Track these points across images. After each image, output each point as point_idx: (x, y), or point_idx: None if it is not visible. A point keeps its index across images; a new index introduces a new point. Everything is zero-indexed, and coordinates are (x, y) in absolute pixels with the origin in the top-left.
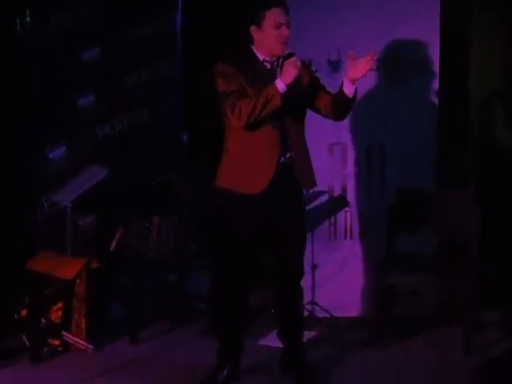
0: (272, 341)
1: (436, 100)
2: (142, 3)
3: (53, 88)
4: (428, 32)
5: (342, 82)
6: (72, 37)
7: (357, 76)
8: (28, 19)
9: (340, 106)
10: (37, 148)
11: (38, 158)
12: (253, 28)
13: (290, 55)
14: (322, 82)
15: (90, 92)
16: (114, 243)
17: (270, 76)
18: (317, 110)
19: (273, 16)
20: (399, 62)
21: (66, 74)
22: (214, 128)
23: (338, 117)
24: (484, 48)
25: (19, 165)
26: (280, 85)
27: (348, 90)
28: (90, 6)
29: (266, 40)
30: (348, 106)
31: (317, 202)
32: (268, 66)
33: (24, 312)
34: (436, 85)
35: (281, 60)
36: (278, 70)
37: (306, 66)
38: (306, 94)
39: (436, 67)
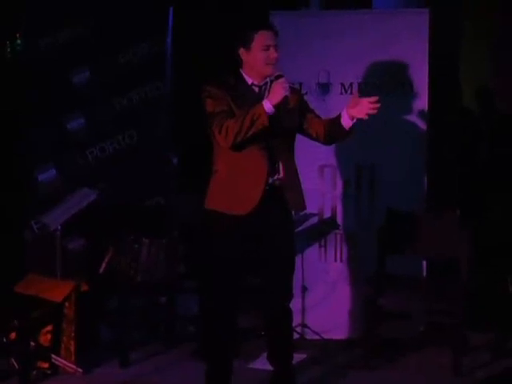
0: (262, 364)
1: (425, 121)
2: (132, 25)
3: (43, 111)
4: (417, 52)
5: (340, 114)
6: (62, 59)
7: (357, 116)
8: (18, 41)
9: (334, 135)
10: (27, 170)
11: (28, 181)
12: (241, 50)
13: (279, 77)
14: (311, 105)
15: (80, 114)
16: (103, 265)
17: (258, 100)
18: (306, 134)
19: (261, 38)
20: (388, 83)
21: (55, 96)
22: (203, 150)
23: (329, 143)
24: (473, 70)
25: (8, 187)
26: (267, 105)
27: (346, 124)
28: (79, 29)
29: (255, 62)
30: (342, 136)
31: (307, 224)
32: (256, 89)
33: (13, 335)
34: (425, 106)
35: (269, 83)
36: (266, 93)
37: (294, 89)
38: (293, 117)
39: (425, 87)
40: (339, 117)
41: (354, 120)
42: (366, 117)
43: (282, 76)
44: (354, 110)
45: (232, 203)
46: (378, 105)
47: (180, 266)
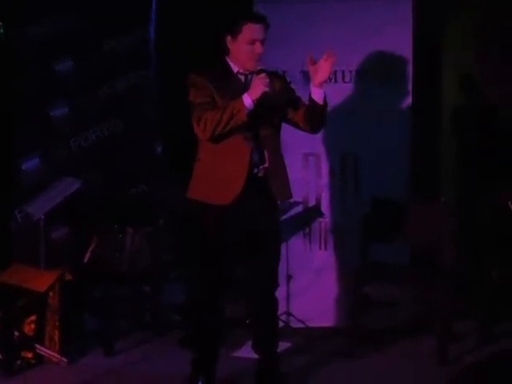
0: (247, 352)
1: (409, 110)
2: (116, 15)
3: (26, 99)
4: (401, 41)
5: (310, 92)
6: (46, 48)
7: (322, 78)
8: (1, 30)
9: (314, 117)
10: (10, 159)
11: (12, 169)
12: (228, 38)
13: (260, 72)
14: (297, 93)
15: (64, 104)
16: (87, 255)
17: (243, 88)
18: (292, 123)
19: (248, 31)
20: (373, 71)
21: (39, 85)
22: (189, 138)
23: (315, 128)
24: (457, 58)
25: None
26: (247, 100)
27: (317, 97)
28: (63, 19)
29: (239, 53)
30: (321, 114)
31: (291, 213)
32: (242, 78)
33: None
34: (409, 94)
35: (255, 73)
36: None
37: (278, 75)
38: (279, 103)
39: (409, 76)
40: (310, 95)
41: (323, 88)
42: (329, 74)
43: (264, 71)
44: (317, 76)
45: (214, 193)
46: (333, 54)
47: (165, 255)
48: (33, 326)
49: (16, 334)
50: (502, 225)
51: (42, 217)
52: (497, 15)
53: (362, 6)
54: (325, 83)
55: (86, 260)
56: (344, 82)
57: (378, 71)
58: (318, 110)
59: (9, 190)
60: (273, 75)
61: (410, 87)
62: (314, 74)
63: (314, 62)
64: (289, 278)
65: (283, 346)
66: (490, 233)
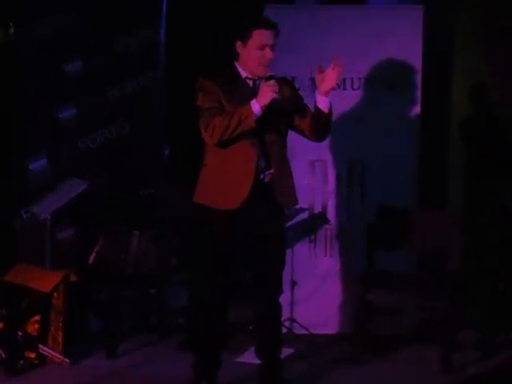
0: (250, 357)
1: (417, 117)
2: (126, 16)
3: (35, 100)
4: (411, 49)
5: (316, 100)
6: (55, 49)
7: (328, 87)
8: (11, 30)
9: (319, 125)
10: (17, 159)
11: (19, 169)
12: (238, 43)
13: (270, 78)
14: (305, 100)
15: (73, 104)
16: (92, 256)
17: (252, 94)
18: (298, 130)
19: (259, 36)
20: (382, 79)
21: (48, 86)
22: (196, 142)
23: (320, 136)
24: (466, 66)
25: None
26: (255, 106)
27: (322, 105)
28: (72, 19)
29: (248, 58)
30: (326, 122)
31: (297, 219)
32: (250, 83)
33: (0, 324)
34: (418, 102)
35: (263, 80)
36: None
37: (287, 81)
38: (284, 114)
39: (418, 84)
40: (315, 103)
41: (329, 97)
42: (336, 83)
43: (273, 77)
44: (324, 84)
45: (221, 198)
46: (340, 62)
47: (170, 258)
48: (36, 326)
49: (19, 333)
50: (503, 226)
51: (49, 217)
52: (497, 15)
53: (372, 13)
54: (332, 90)
55: (91, 261)
56: (353, 89)
57: (386, 79)
58: (323, 119)
59: (15, 190)
60: (282, 81)
61: (418, 95)
62: (321, 83)
63: (322, 71)
64: (293, 284)
65: (286, 352)
66: (491, 234)
